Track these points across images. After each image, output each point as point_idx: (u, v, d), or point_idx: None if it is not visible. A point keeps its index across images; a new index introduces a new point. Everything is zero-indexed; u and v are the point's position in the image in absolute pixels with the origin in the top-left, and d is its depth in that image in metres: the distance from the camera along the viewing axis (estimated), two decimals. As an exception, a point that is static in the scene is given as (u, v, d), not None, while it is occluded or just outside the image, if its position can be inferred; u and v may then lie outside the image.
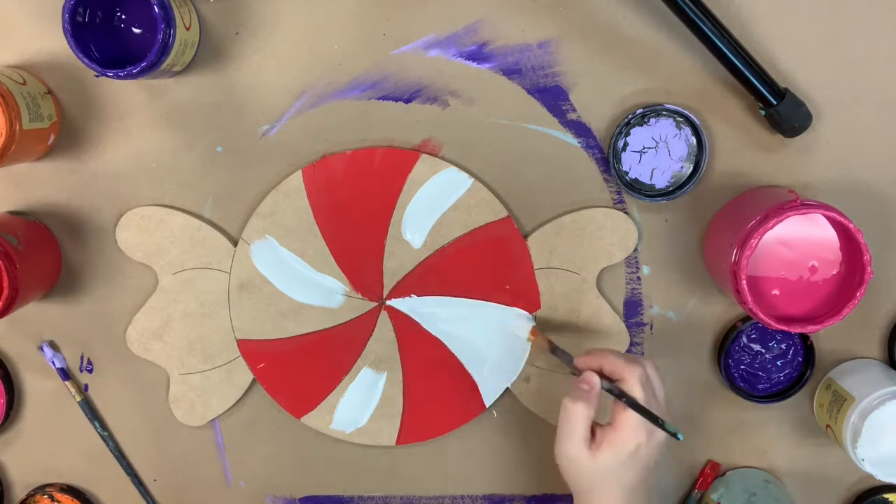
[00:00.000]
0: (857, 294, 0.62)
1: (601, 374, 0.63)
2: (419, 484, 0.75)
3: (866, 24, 0.68)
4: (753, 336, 0.72)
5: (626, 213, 0.71)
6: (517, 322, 0.71)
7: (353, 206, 0.71)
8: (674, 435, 0.60)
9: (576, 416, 0.61)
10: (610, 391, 0.62)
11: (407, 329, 0.72)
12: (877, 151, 0.70)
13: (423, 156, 0.70)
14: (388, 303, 0.72)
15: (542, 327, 0.71)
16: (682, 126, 0.69)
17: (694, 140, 0.69)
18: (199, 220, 0.71)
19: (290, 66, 0.70)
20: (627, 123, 0.69)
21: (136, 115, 0.70)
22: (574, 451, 0.62)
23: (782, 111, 0.66)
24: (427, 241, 0.71)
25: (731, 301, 0.72)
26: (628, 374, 0.61)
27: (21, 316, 0.73)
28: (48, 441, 0.75)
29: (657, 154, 0.70)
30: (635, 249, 0.71)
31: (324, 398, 0.73)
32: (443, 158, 0.70)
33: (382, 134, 0.71)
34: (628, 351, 0.72)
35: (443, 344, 0.72)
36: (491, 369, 0.72)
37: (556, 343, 0.68)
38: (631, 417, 0.60)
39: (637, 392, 0.61)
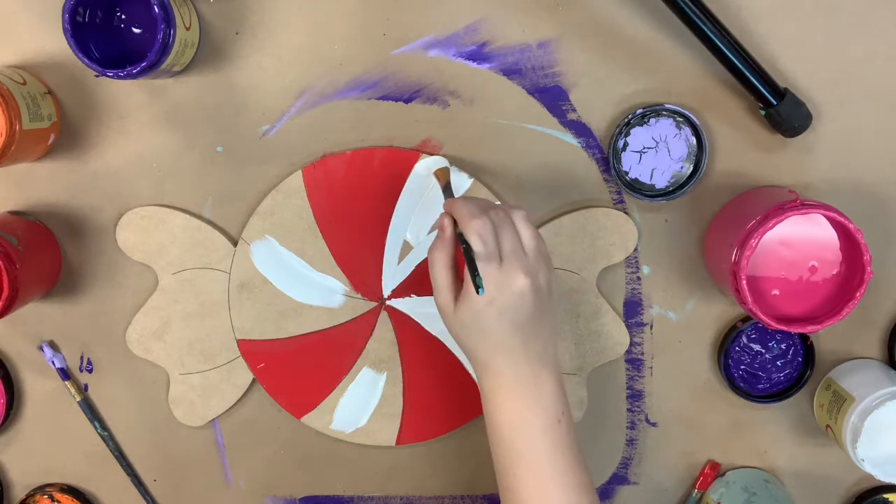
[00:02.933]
0: (857, 294, 0.62)
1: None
2: (419, 484, 0.75)
3: (866, 24, 0.68)
4: (753, 336, 0.72)
5: (626, 213, 0.71)
6: (432, 166, 0.69)
7: (353, 206, 0.71)
8: (477, 288, 0.57)
9: (434, 264, 0.60)
10: (458, 238, 0.60)
11: (407, 329, 0.72)
12: (877, 151, 0.70)
13: (423, 156, 0.70)
14: (388, 303, 0.72)
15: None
16: (682, 126, 0.69)
17: (694, 140, 0.69)
18: (199, 220, 0.71)
19: (290, 66, 0.70)
20: (627, 123, 0.69)
21: (136, 115, 0.70)
22: (441, 300, 0.60)
23: (782, 111, 0.66)
24: (427, 240, 0.71)
25: (731, 301, 0.72)
26: (465, 225, 0.59)
27: (21, 316, 0.73)
28: (48, 441, 0.75)
29: (657, 154, 0.70)
30: (635, 249, 0.71)
31: (324, 398, 0.73)
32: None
33: (382, 134, 0.71)
34: (628, 352, 0.72)
35: (443, 344, 0.72)
36: (491, 369, 0.72)
37: (450, 187, 0.66)
38: None
39: (474, 243, 0.59)
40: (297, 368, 0.73)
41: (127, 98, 0.70)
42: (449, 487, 0.75)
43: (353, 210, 0.71)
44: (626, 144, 0.69)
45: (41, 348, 0.73)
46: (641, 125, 0.69)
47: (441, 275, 0.60)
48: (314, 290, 0.72)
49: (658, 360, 0.73)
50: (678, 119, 0.69)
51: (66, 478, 0.75)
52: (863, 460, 0.66)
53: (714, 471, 0.74)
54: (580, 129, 0.70)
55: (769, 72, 0.66)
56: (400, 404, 0.73)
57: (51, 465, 0.75)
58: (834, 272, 0.64)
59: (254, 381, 0.73)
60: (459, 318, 0.59)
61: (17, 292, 0.65)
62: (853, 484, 0.74)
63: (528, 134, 0.70)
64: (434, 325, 0.72)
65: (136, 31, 0.67)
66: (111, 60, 0.65)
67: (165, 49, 0.63)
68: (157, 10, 0.62)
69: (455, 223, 0.61)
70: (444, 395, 0.73)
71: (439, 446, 0.74)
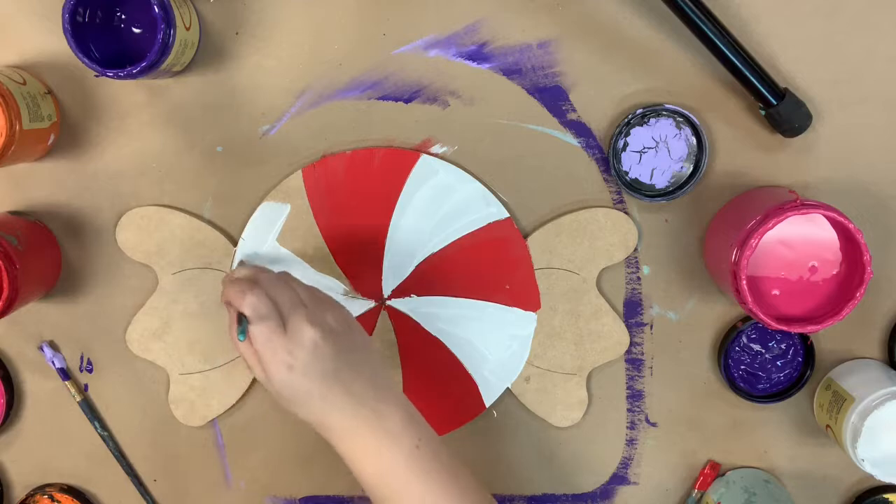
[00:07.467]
0: (857, 294, 0.62)
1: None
2: (419, 484, 0.75)
3: (866, 24, 0.68)
4: (753, 336, 0.72)
5: (626, 213, 0.71)
6: None
7: (353, 206, 0.71)
8: (240, 333, 0.60)
9: (241, 353, 0.61)
10: (240, 317, 0.61)
11: (407, 329, 0.72)
12: (877, 151, 0.70)
13: (423, 156, 0.70)
14: (389, 303, 0.72)
15: (541, 327, 0.72)
16: (682, 126, 0.69)
17: (694, 140, 0.69)
18: (199, 220, 0.71)
19: (290, 66, 0.70)
20: (627, 123, 0.69)
21: (136, 115, 0.70)
22: (259, 376, 0.61)
23: (782, 111, 0.66)
24: (427, 241, 0.71)
25: (731, 301, 0.72)
26: (239, 303, 0.60)
27: (21, 316, 0.73)
28: (48, 441, 0.75)
29: (657, 154, 0.70)
30: (635, 249, 0.71)
31: (324, 398, 0.73)
32: (443, 158, 0.70)
33: (382, 134, 0.71)
34: (628, 352, 0.72)
35: (443, 344, 0.72)
36: (491, 369, 0.72)
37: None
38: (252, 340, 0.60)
39: (247, 311, 0.60)
40: (297, 368, 0.73)
41: (127, 98, 0.70)
42: (449, 487, 0.75)
43: (353, 210, 0.71)
44: (626, 144, 0.69)
45: (41, 348, 0.73)
46: (641, 125, 0.69)
47: (249, 355, 0.61)
48: (314, 290, 0.72)
49: (658, 360, 0.73)
50: (678, 119, 0.69)
51: (66, 478, 0.75)
52: (863, 460, 0.66)
53: (714, 471, 0.74)
54: (580, 129, 0.70)
55: (769, 72, 0.66)
56: (400, 404, 0.73)
57: (51, 465, 0.75)
58: (834, 272, 0.64)
59: (254, 381, 0.73)
60: (276, 389, 0.60)
61: (17, 292, 0.65)
62: (853, 484, 0.74)
63: (528, 134, 0.70)
64: (434, 325, 0.72)
65: (136, 31, 0.67)
66: (111, 60, 0.65)
67: (165, 49, 0.63)
68: (157, 10, 0.62)
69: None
70: (443, 395, 0.73)
71: (439, 446, 0.74)
